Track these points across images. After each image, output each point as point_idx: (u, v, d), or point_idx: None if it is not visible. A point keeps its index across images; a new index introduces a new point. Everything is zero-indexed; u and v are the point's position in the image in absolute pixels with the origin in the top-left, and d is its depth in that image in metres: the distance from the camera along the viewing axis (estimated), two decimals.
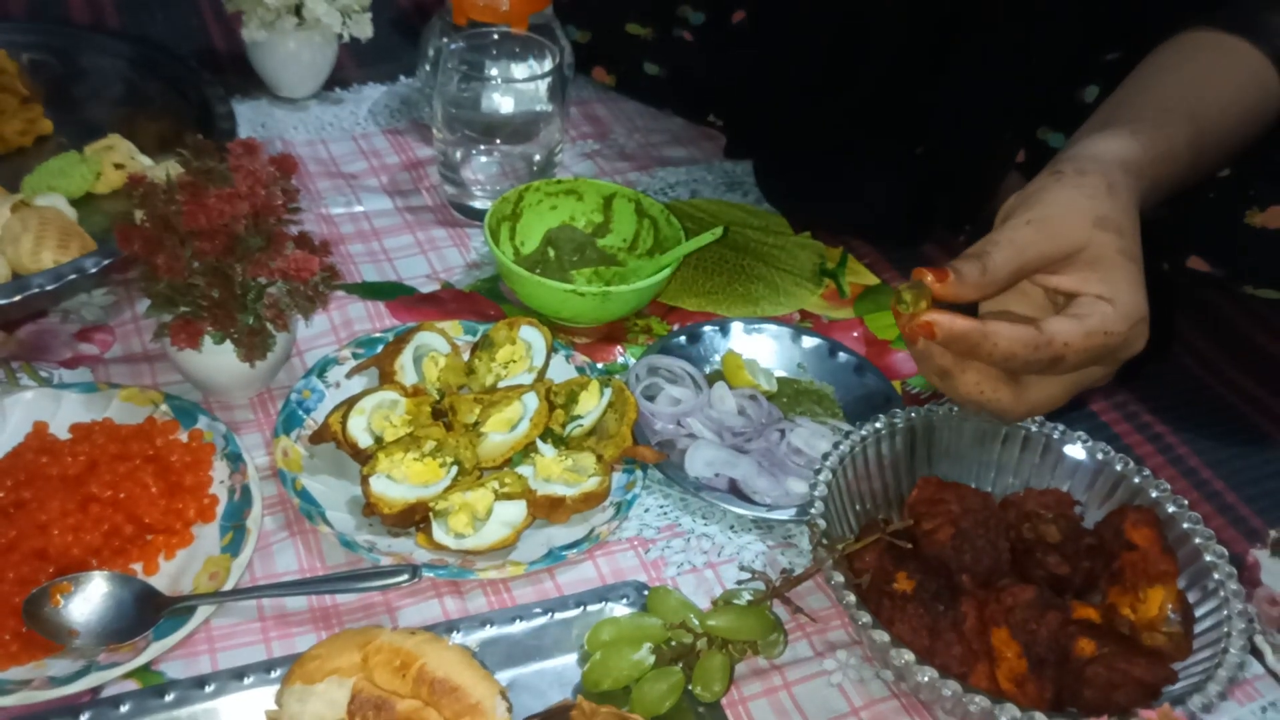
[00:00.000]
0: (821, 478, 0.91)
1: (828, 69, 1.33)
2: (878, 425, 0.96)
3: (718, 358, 1.13)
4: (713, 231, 1.17)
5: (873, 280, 1.29)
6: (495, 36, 1.28)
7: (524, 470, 0.97)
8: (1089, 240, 0.83)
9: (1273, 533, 1.00)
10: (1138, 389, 1.18)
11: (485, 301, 1.20)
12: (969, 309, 0.85)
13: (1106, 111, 0.97)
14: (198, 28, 1.60)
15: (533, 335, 1.06)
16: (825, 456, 0.93)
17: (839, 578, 0.84)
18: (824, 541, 0.86)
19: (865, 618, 0.81)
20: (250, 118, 1.42)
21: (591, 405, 1.01)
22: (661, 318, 1.20)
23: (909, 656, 0.79)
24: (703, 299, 1.23)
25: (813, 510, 0.88)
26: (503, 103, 1.25)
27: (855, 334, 1.21)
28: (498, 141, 1.25)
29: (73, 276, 1.03)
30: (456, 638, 0.85)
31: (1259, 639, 0.92)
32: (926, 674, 0.78)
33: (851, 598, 0.82)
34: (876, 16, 1.30)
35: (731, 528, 0.99)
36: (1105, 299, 0.82)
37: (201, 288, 0.95)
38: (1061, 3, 1.21)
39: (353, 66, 1.53)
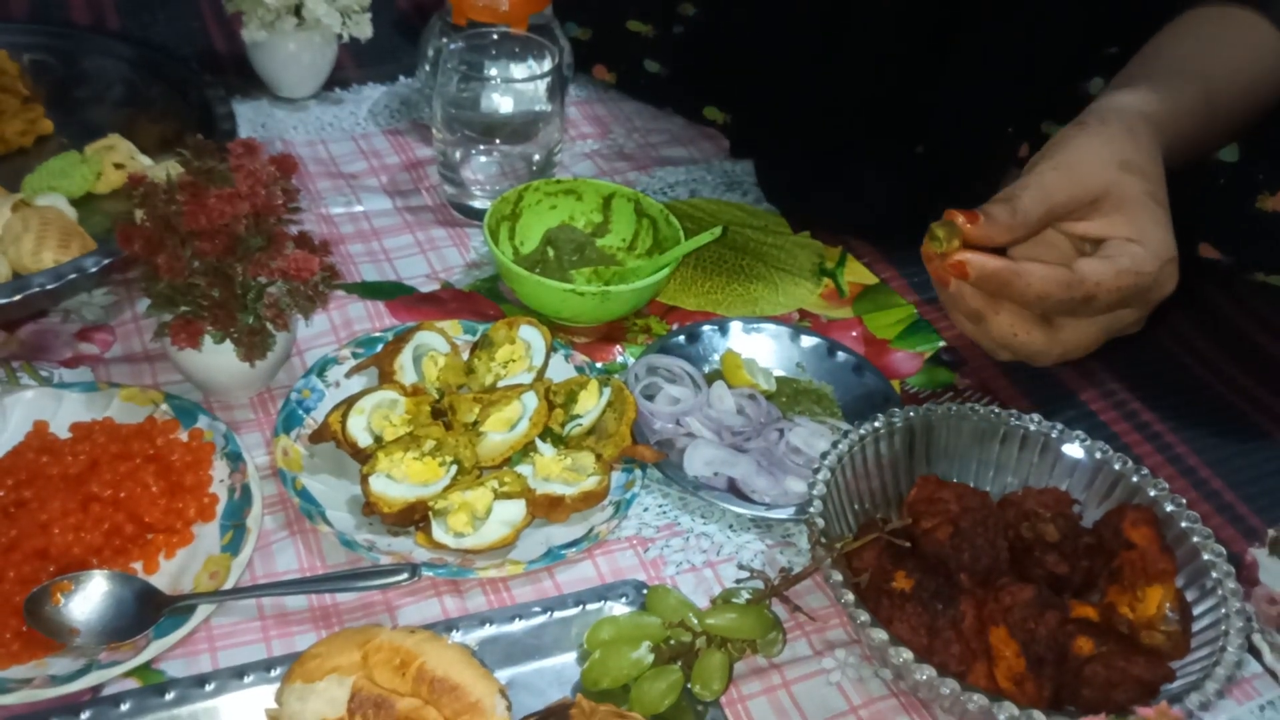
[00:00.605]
0: (820, 477, 0.91)
1: (827, 66, 1.32)
2: (876, 424, 0.96)
3: (717, 357, 1.13)
4: (711, 231, 1.17)
5: (872, 280, 1.29)
6: (495, 37, 1.28)
7: (523, 469, 0.97)
8: (1114, 183, 0.83)
9: (1271, 531, 1.00)
10: (1136, 387, 1.18)
11: (485, 301, 1.20)
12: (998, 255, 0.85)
13: (1123, 75, 0.97)
14: (198, 29, 1.59)
15: (532, 335, 1.06)
16: (824, 455, 0.93)
17: (838, 576, 0.84)
18: (823, 540, 0.86)
19: (864, 616, 0.81)
20: (250, 118, 1.42)
21: (591, 405, 1.01)
22: (661, 317, 1.20)
23: (907, 655, 0.79)
24: (702, 298, 1.23)
25: (811, 509, 0.89)
26: (502, 103, 1.25)
27: (854, 333, 1.21)
28: (497, 141, 1.25)
29: (73, 276, 1.04)
30: (456, 636, 0.85)
31: (1257, 637, 0.92)
32: (925, 672, 0.78)
33: (850, 596, 0.82)
34: (876, 13, 1.30)
35: (730, 527, 0.99)
36: (1134, 240, 0.82)
37: (202, 287, 0.95)
38: None
39: (353, 67, 1.53)
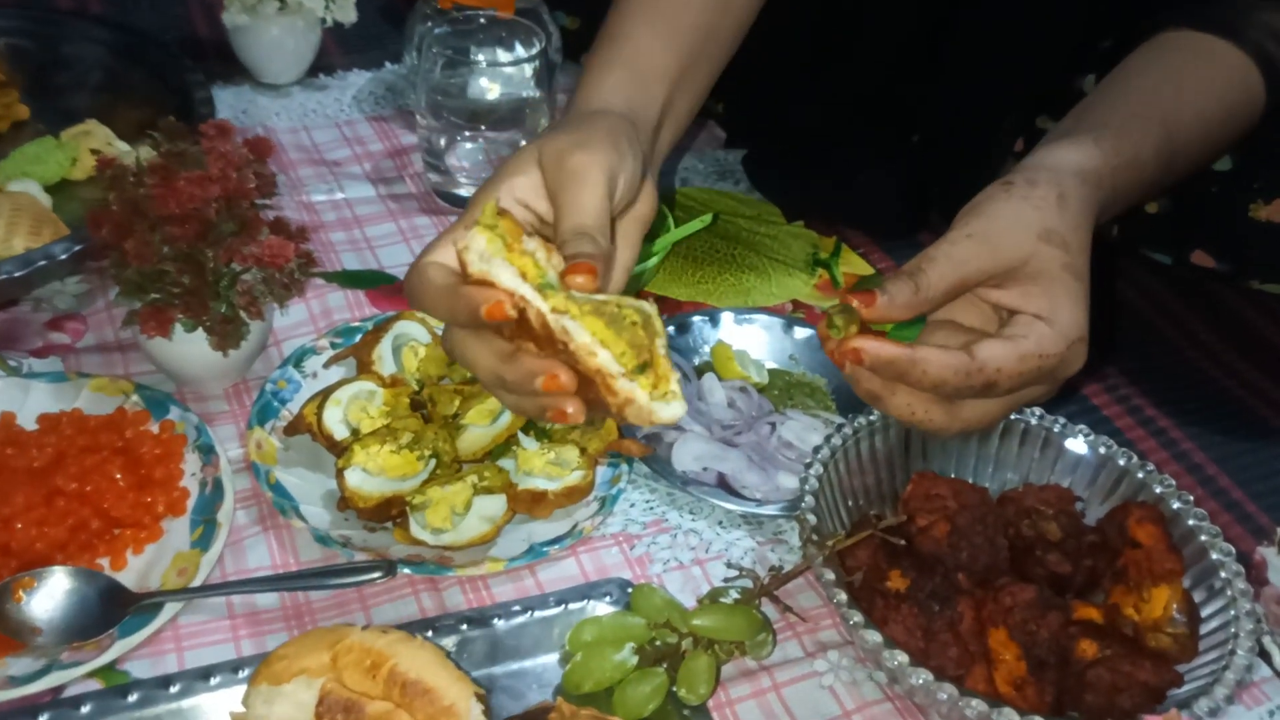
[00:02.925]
0: (813, 472, 0.90)
1: (822, 56, 1.32)
2: (871, 418, 0.94)
3: (707, 349, 1.11)
4: (701, 219, 1.16)
5: (867, 270, 1.27)
6: (481, 21, 1.26)
7: (505, 463, 0.95)
8: (1032, 254, 0.81)
9: None
10: (1141, 382, 1.17)
11: None
12: None
13: (1073, 118, 0.94)
14: (179, 13, 1.58)
15: None
16: (817, 450, 0.92)
17: (830, 575, 0.82)
18: (815, 538, 0.84)
19: (857, 617, 0.80)
20: (232, 104, 1.40)
21: None
22: None
23: (903, 658, 0.78)
24: (692, 289, 1.21)
25: (803, 505, 0.87)
26: (488, 88, 1.23)
27: None
28: (483, 128, 1.23)
29: (42, 263, 1.02)
30: (433, 636, 0.83)
31: (1267, 640, 0.90)
32: (921, 676, 0.77)
33: (843, 596, 0.81)
34: (873, 4, 1.28)
35: (720, 523, 0.98)
36: (1043, 318, 0.80)
37: (172, 274, 0.92)
38: None
39: (337, 53, 1.52)
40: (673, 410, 0.68)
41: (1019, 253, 0.80)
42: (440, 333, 1.03)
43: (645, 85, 0.88)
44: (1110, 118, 0.91)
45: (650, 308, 0.69)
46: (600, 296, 0.69)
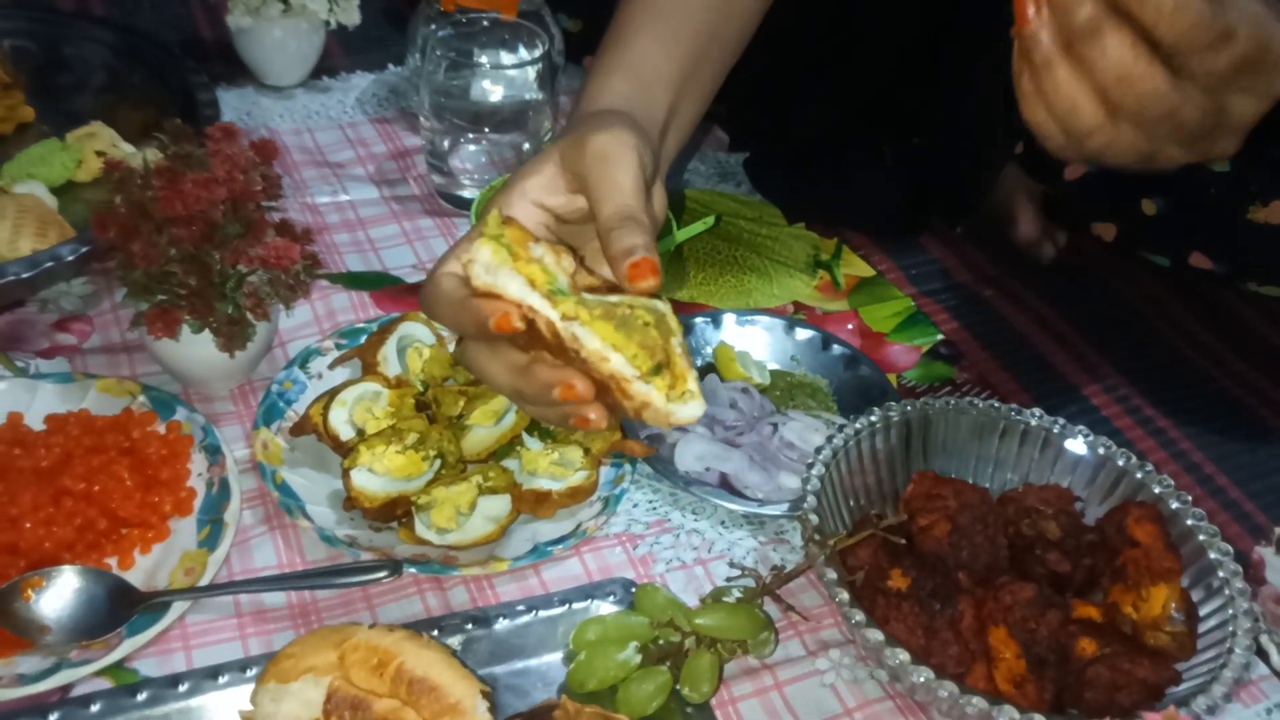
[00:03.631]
0: (814, 472, 0.90)
1: (824, 60, 1.32)
2: (872, 419, 0.95)
3: (710, 350, 1.11)
4: (704, 220, 1.16)
5: (868, 272, 1.27)
6: (484, 23, 1.26)
7: (509, 464, 0.95)
8: None
9: (1278, 529, 0.98)
10: (1140, 382, 1.17)
11: None
12: None
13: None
14: (183, 15, 1.58)
15: None
16: (818, 450, 0.92)
17: (832, 575, 0.82)
18: (816, 537, 0.85)
19: (859, 616, 0.80)
20: (236, 106, 1.40)
21: None
22: None
23: (904, 656, 0.78)
24: (694, 290, 1.21)
25: (805, 505, 0.87)
26: (491, 91, 1.23)
27: (850, 326, 1.20)
28: (486, 130, 1.23)
29: (49, 264, 1.02)
30: (438, 635, 0.83)
31: (1264, 638, 0.90)
32: (922, 674, 0.77)
33: (845, 595, 0.81)
34: (874, 7, 1.28)
35: (722, 523, 0.98)
36: None
37: (179, 276, 0.93)
38: None
39: (341, 55, 1.52)
40: (690, 410, 0.67)
41: None
42: (445, 335, 1.04)
43: (649, 91, 0.88)
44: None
45: (664, 306, 0.68)
46: (612, 298, 0.68)
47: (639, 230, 0.70)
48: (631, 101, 0.86)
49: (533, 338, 0.68)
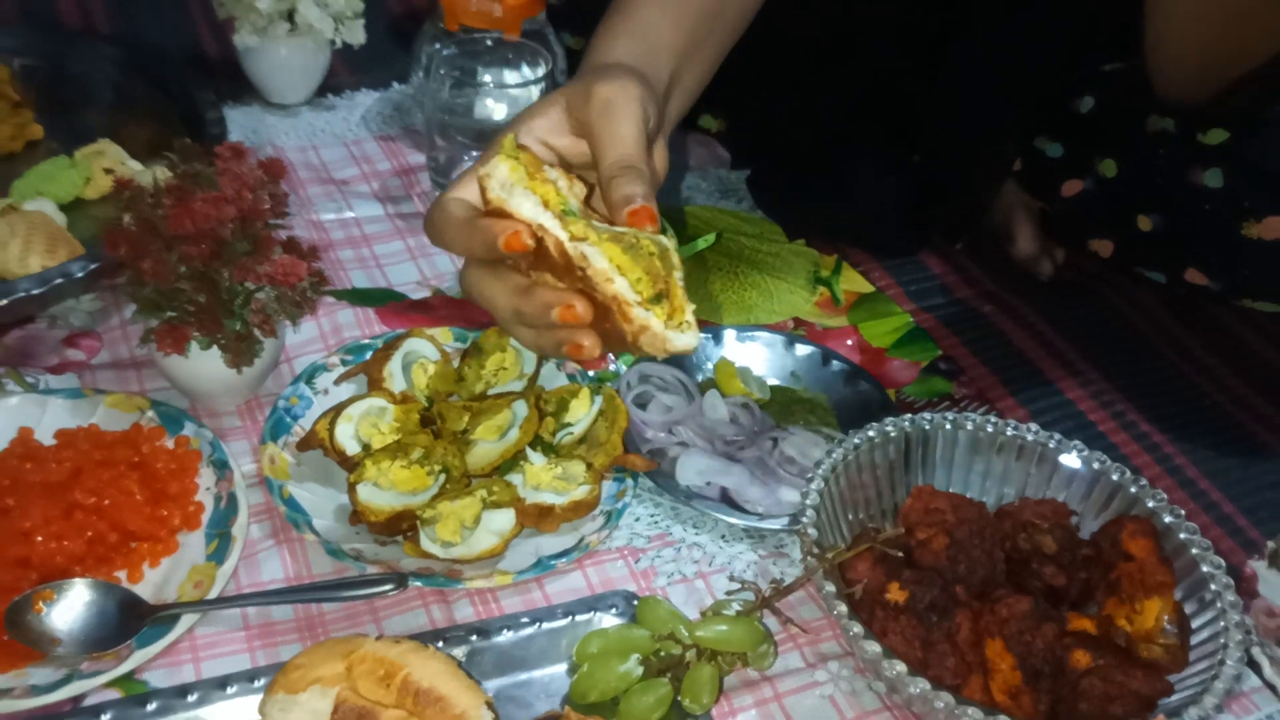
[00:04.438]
0: (814, 486, 0.90)
1: (824, 76, 1.32)
2: (871, 433, 0.95)
3: (710, 365, 1.12)
4: (705, 238, 1.17)
5: (868, 288, 1.28)
6: (488, 43, 1.27)
7: (513, 478, 0.96)
8: None
9: (1270, 544, 0.99)
10: (1135, 398, 1.18)
11: (476, 309, 1.18)
12: None
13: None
14: (189, 33, 1.59)
15: None
16: (818, 464, 0.92)
17: (831, 588, 0.83)
18: (815, 551, 0.85)
19: (857, 628, 0.80)
20: (242, 123, 1.41)
21: (582, 413, 1.00)
22: None
23: (901, 668, 0.78)
24: (696, 306, 1.21)
25: (804, 519, 0.88)
26: (495, 109, 1.24)
27: (849, 342, 1.20)
28: None
29: (59, 281, 1.03)
30: (443, 647, 0.84)
31: (1256, 651, 0.91)
32: (919, 686, 0.78)
33: (843, 608, 0.82)
34: (873, 23, 1.29)
35: (723, 537, 0.98)
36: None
37: (188, 292, 0.94)
38: (1058, 12, 1.20)
39: (345, 73, 1.52)
40: (687, 340, 0.68)
41: None
42: (449, 350, 1.05)
43: (654, 55, 0.88)
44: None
45: (669, 241, 0.69)
46: (620, 228, 0.69)
47: (639, 179, 0.72)
48: (638, 61, 0.86)
49: (539, 261, 0.68)
